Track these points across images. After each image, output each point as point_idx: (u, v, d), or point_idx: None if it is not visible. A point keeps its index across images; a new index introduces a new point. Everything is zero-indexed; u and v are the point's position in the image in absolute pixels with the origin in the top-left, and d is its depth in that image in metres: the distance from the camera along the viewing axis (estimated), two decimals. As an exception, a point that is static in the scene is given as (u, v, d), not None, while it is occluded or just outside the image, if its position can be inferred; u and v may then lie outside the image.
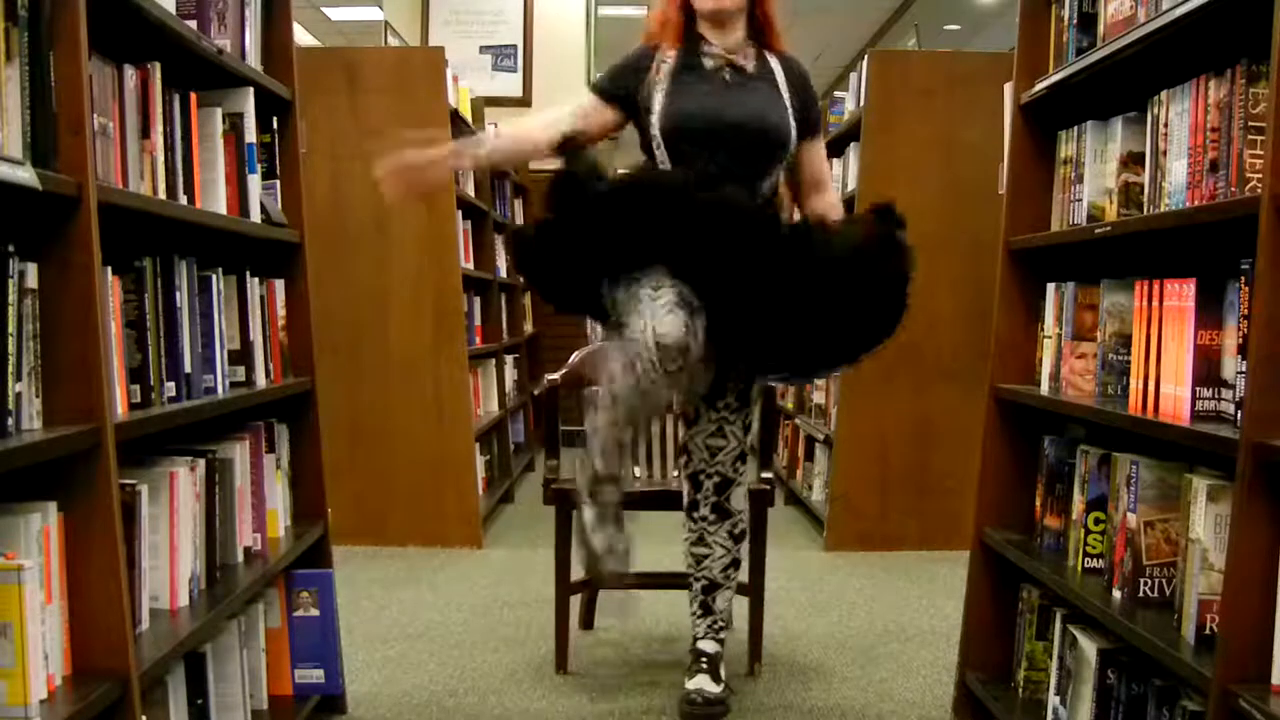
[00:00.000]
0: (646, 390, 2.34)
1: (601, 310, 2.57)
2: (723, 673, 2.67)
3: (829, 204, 2.77)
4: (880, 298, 2.48)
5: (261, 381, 2.33)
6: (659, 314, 2.33)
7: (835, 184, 5.29)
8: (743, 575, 3.05)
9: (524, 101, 7.15)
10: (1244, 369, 1.62)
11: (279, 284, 2.45)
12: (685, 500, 2.70)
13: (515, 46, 7.18)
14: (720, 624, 2.72)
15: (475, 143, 2.90)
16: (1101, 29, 2.20)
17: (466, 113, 5.23)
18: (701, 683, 2.62)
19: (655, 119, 2.56)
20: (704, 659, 2.66)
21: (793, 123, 2.61)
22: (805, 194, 2.77)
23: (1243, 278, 1.65)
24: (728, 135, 2.54)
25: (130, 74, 1.84)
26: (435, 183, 2.77)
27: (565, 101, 2.75)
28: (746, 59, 2.63)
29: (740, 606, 3.22)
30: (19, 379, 1.48)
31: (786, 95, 2.63)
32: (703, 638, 2.70)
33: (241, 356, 2.29)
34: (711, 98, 2.56)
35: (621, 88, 2.64)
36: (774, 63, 2.66)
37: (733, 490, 2.69)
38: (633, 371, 2.33)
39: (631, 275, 2.43)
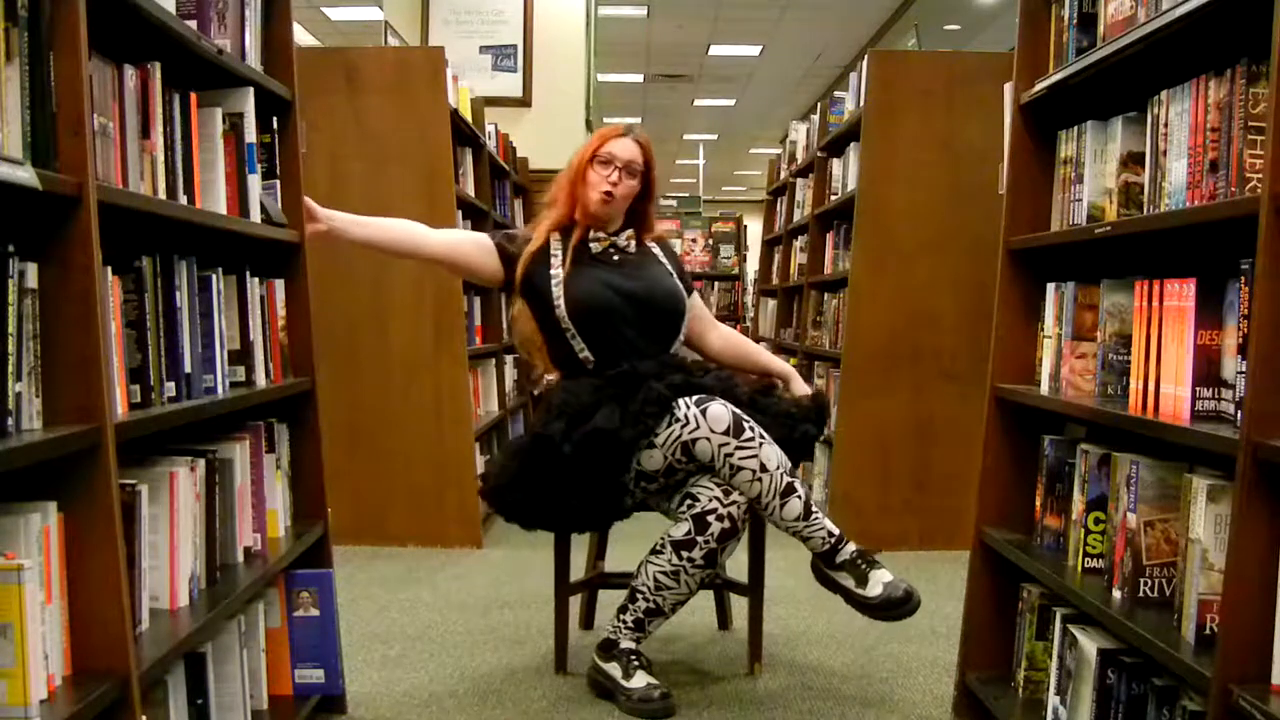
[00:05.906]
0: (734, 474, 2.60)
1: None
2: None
3: (723, 334, 3.12)
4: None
5: (261, 381, 2.33)
6: (697, 408, 2.60)
7: (836, 184, 5.31)
8: (742, 575, 3.06)
9: (524, 101, 7.14)
10: (1244, 369, 1.62)
11: (279, 284, 2.45)
12: (677, 535, 2.64)
13: (515, 46, 7.17)
14: (643, 637, 2.76)
15: (353, 223, 2.85)
16: (1101, 29, 2.20)
17: (466, 113, 5.22)
18: (648, 679, 2.68)
19: (560, 303, 2.81)
20: (638, 656, 2.73)
21: (680, 286, 2.95)
22: (702, 337, 3.09)
23: (1243, 278, 1.65)
24: (630, 307, 2.83)
25: (130, 74, 1.83)
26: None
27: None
28: (626, 241, 2.94)
29: (740, 606, 3.22)
30: (19, 379, 1.48)
31: (669, 265, 2.98)
32: (626, 638, 2.74)
33: (241, 356, 2.29)
34: (610, 274, 2.86)
35: (515, 253, 2.90)
36: (648, 242, 3.00)
37: (731, 544, 2.67)
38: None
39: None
